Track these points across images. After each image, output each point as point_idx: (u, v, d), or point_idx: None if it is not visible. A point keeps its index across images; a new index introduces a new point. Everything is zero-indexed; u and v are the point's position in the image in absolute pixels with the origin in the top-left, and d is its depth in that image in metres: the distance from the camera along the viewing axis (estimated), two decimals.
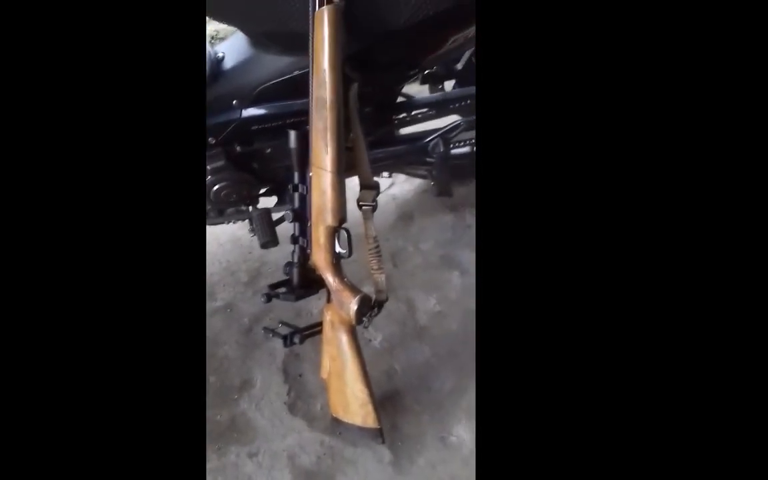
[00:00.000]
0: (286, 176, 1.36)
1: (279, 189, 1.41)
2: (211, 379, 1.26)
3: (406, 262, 1.54)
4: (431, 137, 1.39)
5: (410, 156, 1.41)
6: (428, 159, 1.42)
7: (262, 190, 1.39)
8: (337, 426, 1.14)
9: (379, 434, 1.09)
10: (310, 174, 1.04)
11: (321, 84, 0.96)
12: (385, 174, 1.54)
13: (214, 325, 1.39)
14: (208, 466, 1.09)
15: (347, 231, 1.04)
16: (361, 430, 1.10)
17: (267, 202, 1.37)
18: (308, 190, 1.06)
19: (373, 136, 1.32)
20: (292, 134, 1.07)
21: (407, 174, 1.64)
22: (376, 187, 1.08)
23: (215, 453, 1.11)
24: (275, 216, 1.33)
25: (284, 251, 1.30)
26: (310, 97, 0.99)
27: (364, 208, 1.09)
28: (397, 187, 1.74)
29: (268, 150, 1.29)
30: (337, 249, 1.05)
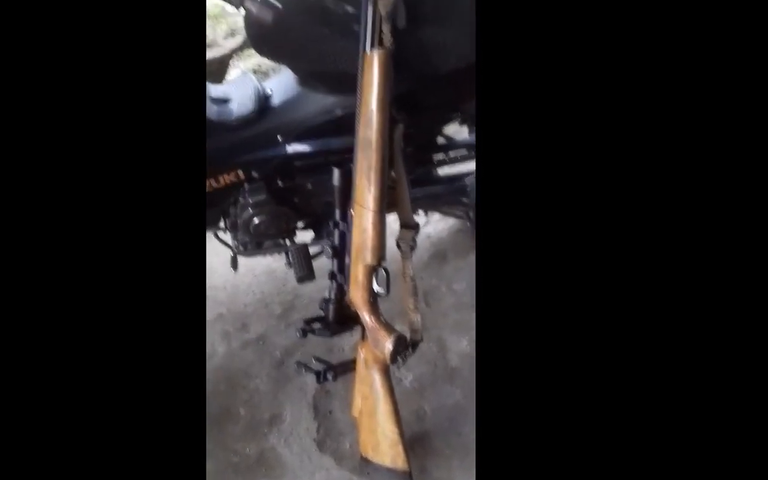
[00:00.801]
0: (325, 212, 1.38)
1: (317, 224, 1.43)
2: (241, 412, 1.26)
3: (438, 302, 1.53)
4: (469, 178, 1.39)
5: (447, 196, 1.42)
6: (465, 200, 1.42)
7: (300, 225, 1.41)
8: (365, 466, 1.13)
9: (408, 477, 1.07)
10: (351, 211, 1.05)
11: (368, 124, 0.98)
12: (421, 212, 1.55)
13: (246, 357, 1.40)
14: None
15: (386, 270, 1.05)
16: (390, 471, 1.08)
17: (304, 236, 1.39)
18: (349, 227, 1.07)
19: (412, 175, 1.33)
20: (336, 172, 1.09)
21: (443, 213, 1.65)
22: (415, 227, 1.09)
23: None
24: (312, 250, 1.35)
25: (318, 286, 1.32)
26: (356, 137, 1.01)
27: (402, 247, 1.10)
28: (431, 225, 1.74)
29: (309, 185, 1.31)
30: (375, 287, 1.06)
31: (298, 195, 1.33)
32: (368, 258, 1.03)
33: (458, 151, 1.39)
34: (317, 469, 1.14)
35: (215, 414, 1.25)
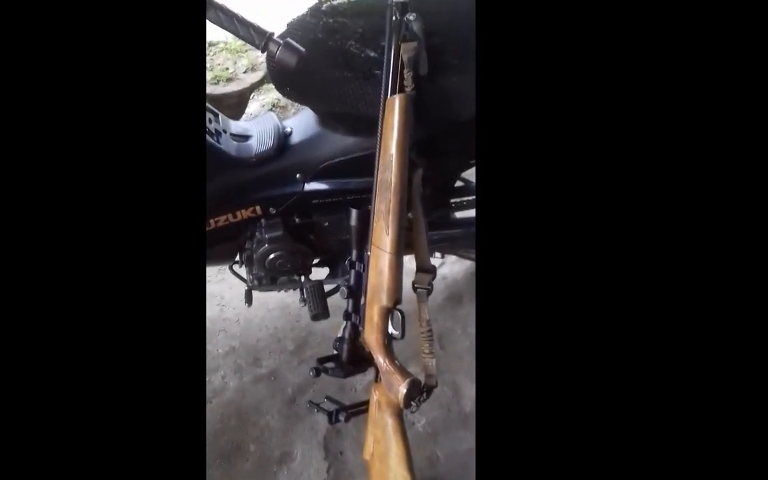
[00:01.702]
0: (340, 250, 1.40)
1: (332, 261, 1.44)
2: (251, 448, 1.26)
3: (453, 345, 1.53)
4: None
5: (465, 240, 1.43)
6: None
7: (315, 262, 1.42)
8: None
9: None
10: (368, 253, 1.06)
11: (387, 167, 1.00)
12: (438, 254, 1.55)
13: (257, 392, 1.40)
14: None
15: (402, 313, 1.05)
16: None
17: (319, 273, 1.40)
18: (365, 268, 1.08)
19: (429, 217, 1.34)
20: (354, 213, 1.11)
21: (459, 256, 1.66)
22: (432, 271, 1.10)
23: None
24: (327, 288, 1.36)
25: (332, 323, 1.33)
26: (375, 178, 1.03)
27: (419, 290, 1.10)
28: (447, 267, 1.75)
29: (326, 223, 1.32)
30: (390, 330, 1.06)
31: (314, 232, 1.34)
32: (384, 300, 1.04)
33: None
34: None
35: (225, 449, 1.25)
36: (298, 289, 1.41)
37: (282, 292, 1.52)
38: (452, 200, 1.40)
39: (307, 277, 1.41)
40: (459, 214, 1.44)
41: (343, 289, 1.14)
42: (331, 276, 1.45)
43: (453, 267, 1.74)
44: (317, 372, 1.13)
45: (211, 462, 1.21)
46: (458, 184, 1.42)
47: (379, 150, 1.01)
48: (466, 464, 1.22)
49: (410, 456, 1.07)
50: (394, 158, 0.99)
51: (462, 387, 1.41)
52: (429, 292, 1.10)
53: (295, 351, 1.53)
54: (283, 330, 1.59)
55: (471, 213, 1.46)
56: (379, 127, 1.01)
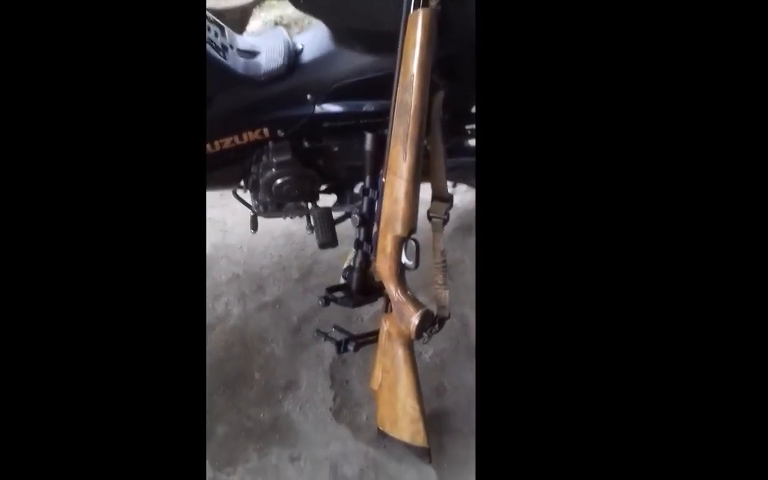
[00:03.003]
0: (349, 176, 1.36)
1: (340, 188, 1.41)
2: (256, 376, 1.26)
3: (462, 276, 1.52)
4: None
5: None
6: None
7: (323, 188, 1.39)
8: (382, 439, 1.13)
9: (426, 454, 1.07)
10: (383, 179, 1.03)
11: (407, 88, 0.95)
12: (449, 183, 1.52)
13: (262, 320, 1.40)
14: (248, 465, 1.10)
15: (416, 242, 1.03)
16: (409, 447, 1.09)
17: (325, 199, 1.37)
18: (379, 195, 1.05)
19: (446, 144, 1.30)
20: (369, 137, 1.07)
21: (471, 185, 1.62)
22: (449, 200, 1.07)
23: (255, 452, 1.12)
24: (335, 215, 1.33)
25: (337, 251, 1.32)
26: (393, 101, 0.99)
27: (434, 220, 1.08)
28: (458, 196, 1.70)
29: (336, 148, 1.28)
30: (404, 260, 1.04)
31: (323, 157, 1.30)
32: (398, 229, 1.01)
33: None
34: (332, 439, 1.14)
35: (230, 377, 1.25)
36: (305, 217, 1.39)
37: (287, 219, 1.49)
38: (468, 127, 1.35)
39: (314, 204, 1.38)
40: (473, 142, 1.40)
41: (355, 216, 1.11)
42: (339, 203, 1.42)
43: (464, 197, 1.71)
44: (326, 301, 1.12)
45: (215, 389, 1.22)
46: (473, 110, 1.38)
47: (399, 70, 0.97)
48: (471, 396, 1.22)
49: (419, 387, 1.07)
50: (415, 79, 0.94)
51: (470, 318, 1.40)
52: (445, 221, 1.07)
53: (300, 279, 1.51)
54: (287, 258, 1.58)
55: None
56: (400, 44, 0.96)
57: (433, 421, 1.16)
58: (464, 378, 1.26)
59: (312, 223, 1.35)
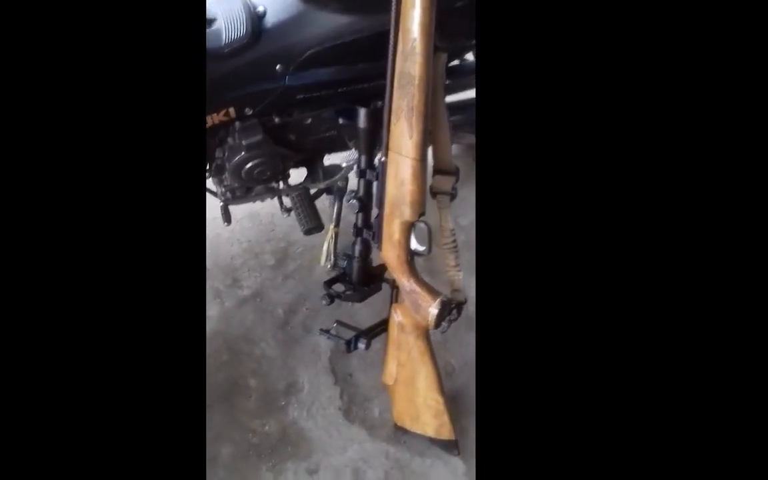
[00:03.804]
0: (319, 148, 1.25)
1: (310, 162, 1.29)
2: (251, 383, 1.16)
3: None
4: None
5: (466, 126, 1.31)
6: None
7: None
8: (401, 435, 1.07)
9: (454, 446, 1.03)
10: (382, 159, 0.92)
11: (409, 55, 0.84)
12: None
13: (244, 317, 1.28)
14: None
15: (427, 225, 0.94)
16: (434, 441, 1.03)
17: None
18: (379, 176, 0.94)
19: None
20: (362, 112, 0.96)
21: (455, 142, 1.54)
22: (456, 173, 0.98)
23: (270, 471, 1.03)
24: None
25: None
26: (390, 70, 0.87)
27: (439, 196, 0.99)
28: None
29: (308, 121, 1.16)
30: (414, 246, 0.95)
31: (295, 132, 1.18)
32: (406, 213, 0.92)
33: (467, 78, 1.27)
34: (348, 442, 1.07)
35: (223, 389, 1.14)
36: (276, 198, 1.27)
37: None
38: (449, 82, 1.25)
39: (286, 183, 1.26)
40: (453, 98, 1.31)
41: (353, 202, 1.00)
42: (310, 179, 1.30)
43: None
44: (330, 298, 1.02)
45: (210, 405, 1.10)
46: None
47: (395, 34, 0.85)
48: None
49: (440, 378, 1.01)
50: (417, 44, 0.82)
51: (464, 286, 1.33)
52: (452, 197, 0.99)
53: (277, 265, 1.40)
54: (258, 243, 1.45)
55: (467, 95, 1.33)
56: (394, 3, 0.83)
57: (449, 403, 1.11)
58: (469, 354, 1.21)
59: (292, 208, 1.24)
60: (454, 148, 1.77)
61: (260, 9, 1.05)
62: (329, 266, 1.40)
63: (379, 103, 0.95)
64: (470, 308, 1.29)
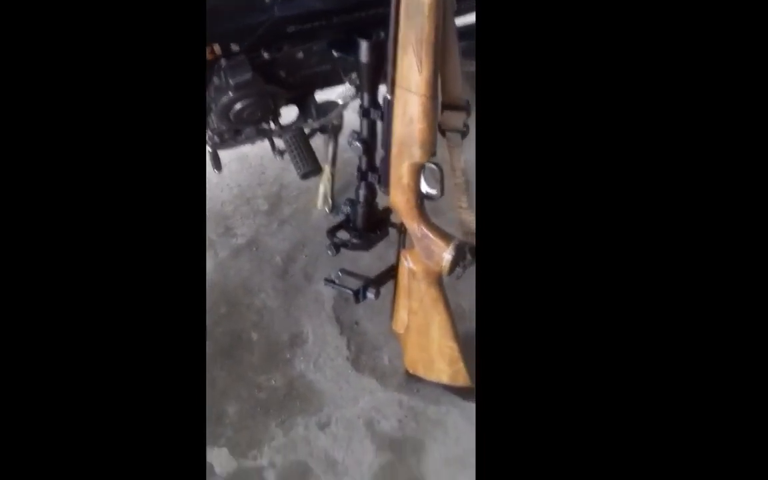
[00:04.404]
0: (310, 83, 1.17)
1: (301, 98, 1.21)
2: (253, 337, 1.12)
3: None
4: None
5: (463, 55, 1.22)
6: None
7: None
8: (414, 383, 1.04)
9: (471, 392, 1.00)
10: (388, 96, 0.85)
11: None
12: None
13: (241, 267, 1.22)
14: (273, 443, 0.98)
15: (438, 166, 0.88)
16: (449, 388, 1.01)
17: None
18: (384, 115, 0.87)
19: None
20: (364, 45, 0.88)
21: None
22: (467, 108, 0.91)
23: (280, 427, 1.00)
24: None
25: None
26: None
27: (449, 134, 0.93)
28: None
29: (299, 54, 1.07)
30: (424, 189, 0.90)
31: (285, 68, 1.09)
32: (416, 154, 0.86)
33: None
34: (359, 393, 1.04)
35: (224, 344, 1.10)
36: (267, 140, 1.20)
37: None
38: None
39: (278, 124, 1.18)
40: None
41: (356, 144, 0.93)
42: (303, 117, 1.23)
43: None
44: (336, 247, 0.97)
45: (212, 362, 1.06)
46: None
47: None
48: None
49: (455, 325, 0.98)
50: None
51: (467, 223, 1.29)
52: (464, 134, 0.93)
53: (271, 210, 1.33)
54: (249, 187, 1.37)
55: (465, 20, 1.25)
56: None
57: (464, 351, 1.08)
58: None
59: (286, 150, 1.17)
60: None
61: None
62: (327, 210, 1.35)
63: (382, 33, 0.87)
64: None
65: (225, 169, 1.41)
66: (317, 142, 1.24)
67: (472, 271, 1.17)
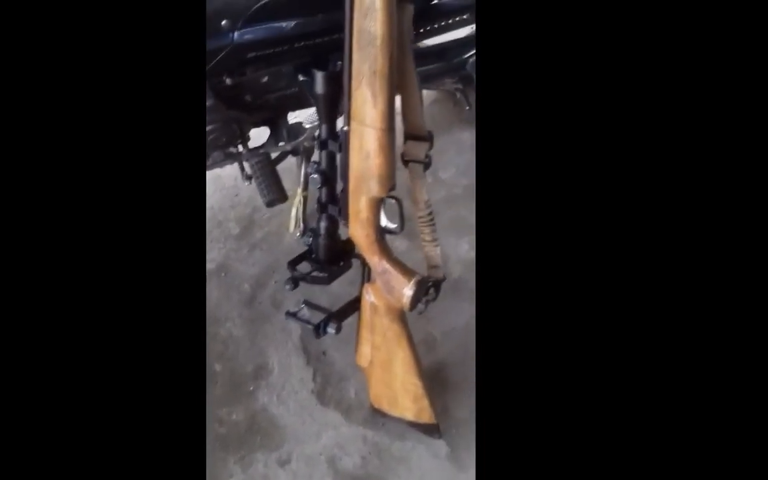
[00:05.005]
0: (282, 105, 1.15)
1: (273, 120, 1.19)
2: (216, 368, 1.09)
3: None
4: (470, 55, 1.16)
5: (441, 75, 1.20)
6: (462, 73, 1.21)
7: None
8: (378, 417, 1.02)
9: (435, 430, 0.97)
10: (345, 128, 0.82)
11: (368, 12, 0.73)
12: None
13: (208, 294, 1.21)
14: None
15: (398, 201, 0.86)
16: (414, 425, 0.98)
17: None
18: (342, 148, 0.85)
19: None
20: (319, 76, 0.86)
21: (431, 88, 1.44)
22: (429, 139, 0.89)
23: (239, 463, 0.98)
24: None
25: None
26: (347, 28, 0.76)
27: (412, 164, 0.90)
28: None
29: (264, 79, 1.06)
30: (384, 223, 0.87)
31: (250, 92, 1.08)
32: (375, 189, 0.83)
33: (450, 17, 1.15)
34: (323, 428, 1.02)
35: None
36: (237, 163, 1.18)
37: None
38: (421, 28, 1.14)
39: (246, 147, 1.16)
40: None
41: (315, 176, 0.91)
42: (274, 139, 1.21)
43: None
44: (294, 282, 0.94)
45: None
46: None
47: None
48: (466, 342, 1.12)
49: (418, 360, 0.95)
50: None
51: (445, 247, 1.25)
52: (426, 166, 0.90)
53: (242, 234, 1.31)
54: (221, 209, 1.36)
55: (441, 38, 1.22)
56: None
57: (431, 381, 1.05)
58: (452, 323, 1.15)
59: (251, 175, 1.15)
60: (434, 94, 1.67)
61: None
62: (299, 234, 1.33)
63: (339, 63, 0.85)
64: (453, 272, 1.23)
65: None
66: (290, 163, 1.22)
67: (442, 298, 1.15)
